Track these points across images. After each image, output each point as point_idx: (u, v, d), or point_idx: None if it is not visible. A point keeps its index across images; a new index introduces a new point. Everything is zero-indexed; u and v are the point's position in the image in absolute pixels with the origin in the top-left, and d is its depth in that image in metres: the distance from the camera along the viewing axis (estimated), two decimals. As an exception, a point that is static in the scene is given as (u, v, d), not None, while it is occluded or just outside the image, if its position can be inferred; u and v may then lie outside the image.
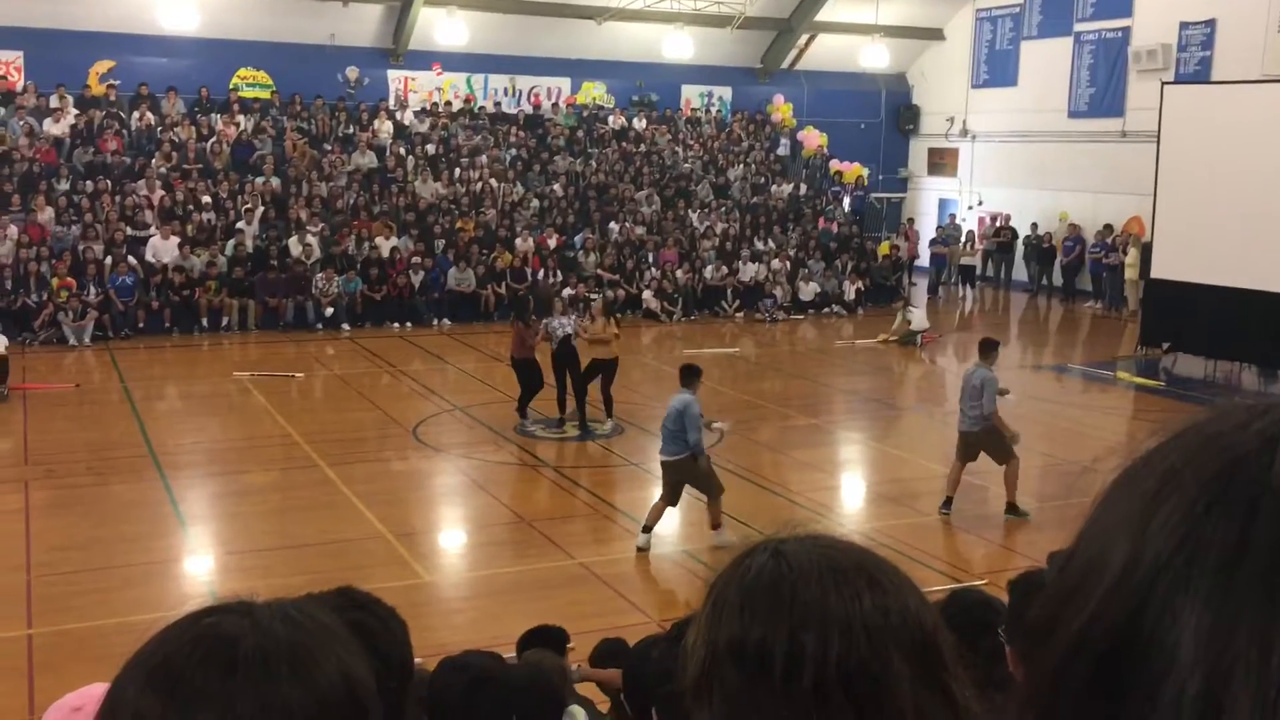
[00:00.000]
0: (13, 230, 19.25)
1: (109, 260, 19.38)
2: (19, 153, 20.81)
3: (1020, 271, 26.90)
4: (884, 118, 30.67)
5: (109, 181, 21.00)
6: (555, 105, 26.84)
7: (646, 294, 22.36)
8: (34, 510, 10.50)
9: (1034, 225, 26.36)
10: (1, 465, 12.03)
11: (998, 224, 27.15)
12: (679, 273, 22.81)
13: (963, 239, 26.82)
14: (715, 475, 9.86)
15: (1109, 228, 24.61)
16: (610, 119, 26.97)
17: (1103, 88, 25.39)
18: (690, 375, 9.96)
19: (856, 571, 1.05)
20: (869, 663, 0.99)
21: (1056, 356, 19.91)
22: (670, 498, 9.78)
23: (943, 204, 29.83)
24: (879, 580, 1.05)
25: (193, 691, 0.94)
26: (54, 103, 22.00)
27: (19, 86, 22.25)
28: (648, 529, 9.77)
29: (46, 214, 19.87)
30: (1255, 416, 0.59)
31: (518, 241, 22.45)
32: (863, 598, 1.02)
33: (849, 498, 12.16)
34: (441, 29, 24.94)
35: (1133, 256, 23.29)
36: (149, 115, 22.67)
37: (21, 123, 21.33)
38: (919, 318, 20.55)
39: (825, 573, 1.04)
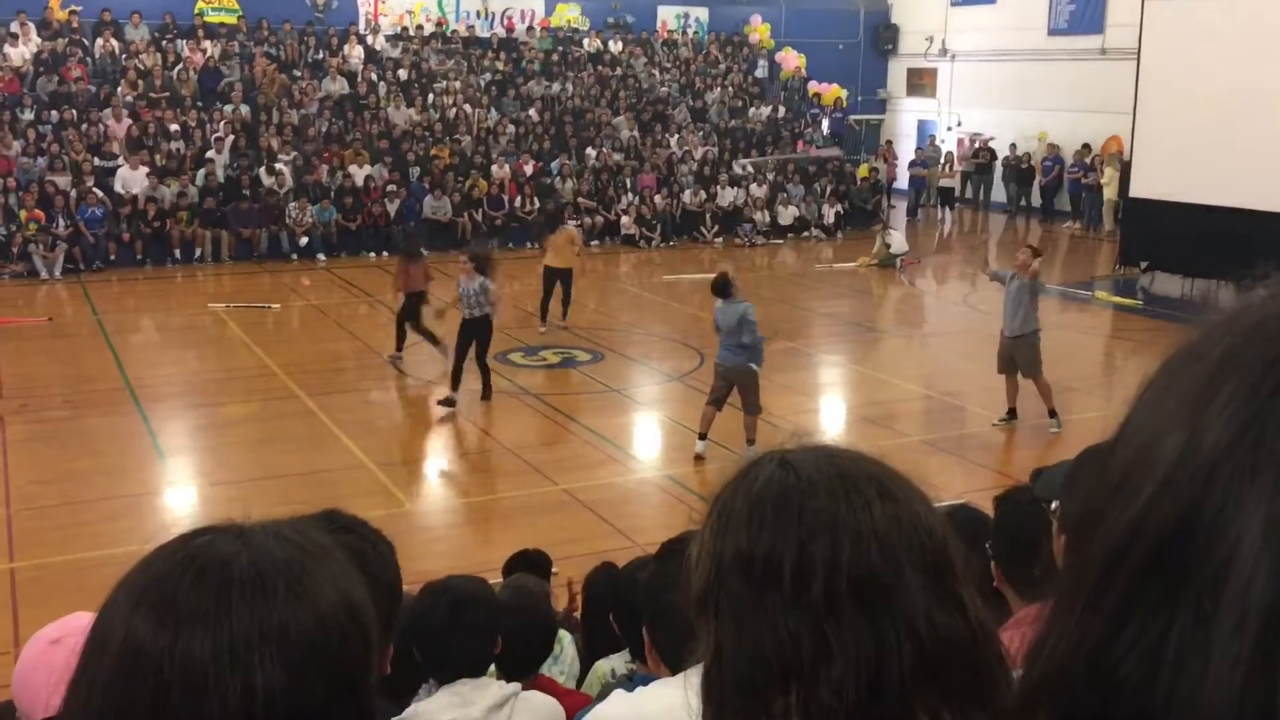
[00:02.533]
0: (-23, 162, 18.89)
1: (75, 192, 19.06)
2: (-20, 82, 20.34)
3: (999, 193, 26.83)
4: (863, 38, 30.31)
5: (74, 111, 20.58)
6: (529, 28, 26.37)
7: (625, 220, 22.20)
8: (11, 445, 10.43)
9: (1013, 146, 26.25)
10: (-24, 400, 11.92)
11: (976, 145, 27.00)
12: (657, 198, 22.64)
13: (941, 161, 26.69)
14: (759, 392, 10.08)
15: (1087, 147, 24.53)
16: (585, 42, 26.54)
17: (1083, 4, 25.13)
18: (726, 285, 9.94)
19: (866, 481, 1.03)
20: (880, 572, 0.98)
21: (1035, 277, 19.93)
22: (717, 400, 10.01)
23: (922, 125, 29.62)
24: (889, 490, 1.03)
25: (186, 612, 0.91)
26: (15, 30, 21.44)
27: (-23, 13, 21.68)
28: (702, 435, 10.08)
29: (12, 146, 19.47)
30: None
31: (494, 168, 22.20)
32: (873, 507, 1.01)
33: (829, 420, 12.21)
34: (411, -50, 24.38)
35: (1109, 176, 23.26)
36: (113, 42, 22.15)
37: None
38: (898, 241, 20.51)
39: (835, 482, 1.02)
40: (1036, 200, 26.07)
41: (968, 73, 28.02)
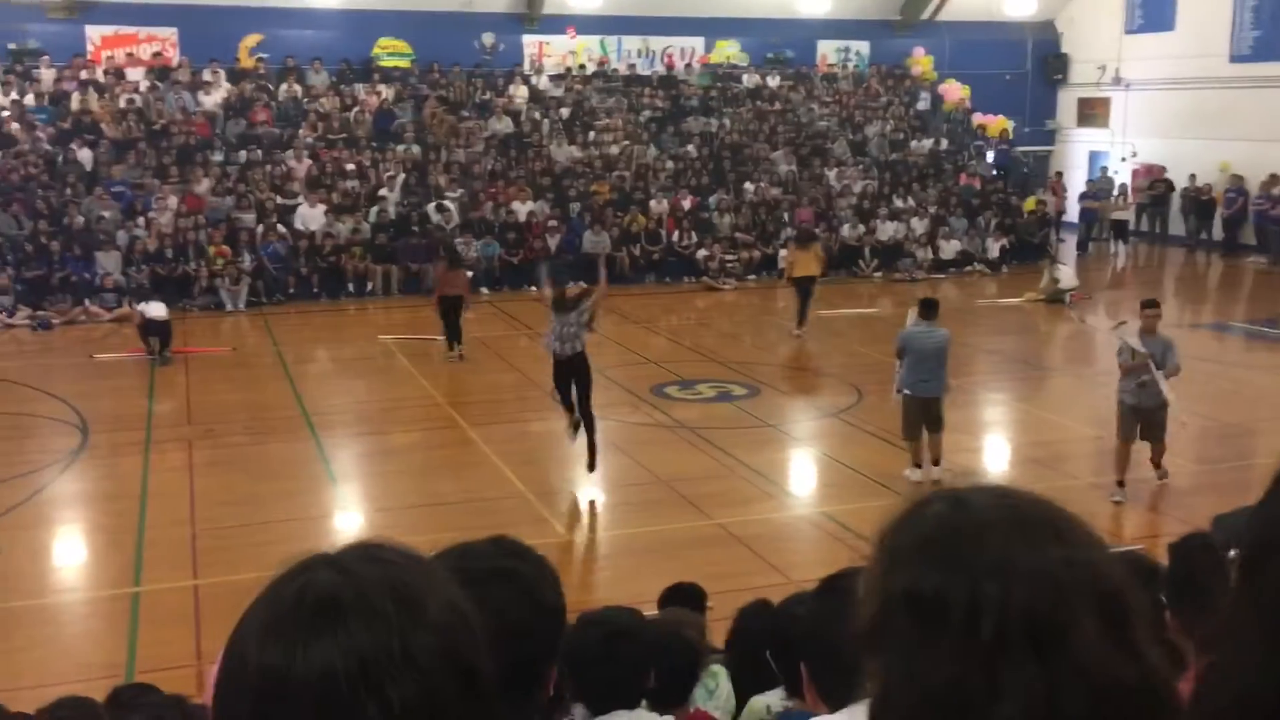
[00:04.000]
0: (172, 200, 20.16)
1: (260, 229, 20.15)
2: (176, 126, 21.75)
3: (1177, 225, 25.67)
4: (1030, 68, 29.54)
5: (260, 152, 21.78)
6: (689, 65, 26.66)
7: (782, 254, 22.08)
8: (197, 468, 11.04)
9: (1192, 177, 25.10)
10: (167, 425, 12.66)
11: (1153, 176, 25.92)
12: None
13: (1115, 193, 25.71)
14: None
15: (1275, 177, 23.25)
16: (744, 77, 26.66)
17: (1268, 30, 23.91)
18: (936, 306, 10.33)
19: (1042, 523, 1.01)
20: (1054, 615, 0.95)
21: (1216, 314, 18.98)
22: (920, 431, 10.23)
23: (1093, 156, 28.63)
24: (1065, 533, 1.01)
25: (314, 642, 0.95)
26: (207, 77, 22.88)
27: (174, 62, 23.22)
28: (919, 464, 10.32)
29: (203, 185, 20.73)
30: None
31: (652, 203, 22.46)
32: (1048, 549, 0.98)
33: (993, 460, 11.86)
34: (575, -8, 24.99)
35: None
36: (296, 87, 23.39)
37: (177, 97, 22.27)
38: (1067, 275, 19.83)
39: (1009, 523, 1.01)
40: (1218, 233, 24.82)
41: (1143, 102, 26.96)
